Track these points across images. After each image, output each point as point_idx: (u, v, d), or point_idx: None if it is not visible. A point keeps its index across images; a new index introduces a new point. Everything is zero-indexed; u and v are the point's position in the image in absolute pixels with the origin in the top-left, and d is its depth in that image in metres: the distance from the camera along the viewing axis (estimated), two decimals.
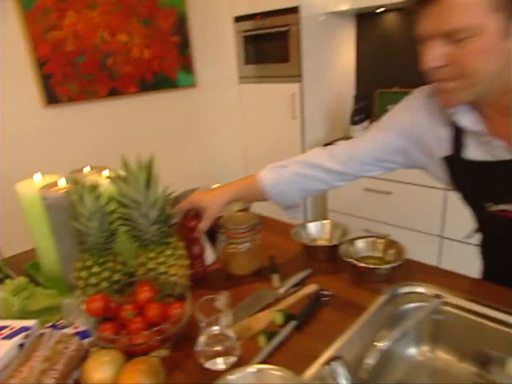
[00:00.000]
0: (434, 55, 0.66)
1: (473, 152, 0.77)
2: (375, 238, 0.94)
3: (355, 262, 0.86)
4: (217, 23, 2.68)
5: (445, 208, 2.00)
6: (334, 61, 2.55)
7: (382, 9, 2.39)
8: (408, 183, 2.09)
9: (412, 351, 0.81)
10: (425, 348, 0.81)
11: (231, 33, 2.64)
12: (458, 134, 0.78)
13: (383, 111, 2.55)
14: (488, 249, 0.97)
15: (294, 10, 2.23)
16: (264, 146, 2.71)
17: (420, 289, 0.82)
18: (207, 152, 2.88)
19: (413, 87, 2.58)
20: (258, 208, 1.19)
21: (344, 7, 2.28)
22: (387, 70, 2.54)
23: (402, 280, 0.86)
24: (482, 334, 0.75)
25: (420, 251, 2.19)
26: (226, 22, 2.65)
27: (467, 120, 0.75)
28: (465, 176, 0.81)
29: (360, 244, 0.94)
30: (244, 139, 2.85)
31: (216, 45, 2.73)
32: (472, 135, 0.76)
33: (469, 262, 2.01)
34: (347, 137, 2.45)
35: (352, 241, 0.95)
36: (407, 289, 0.83)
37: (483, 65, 0.65)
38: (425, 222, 2.10)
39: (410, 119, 0.85)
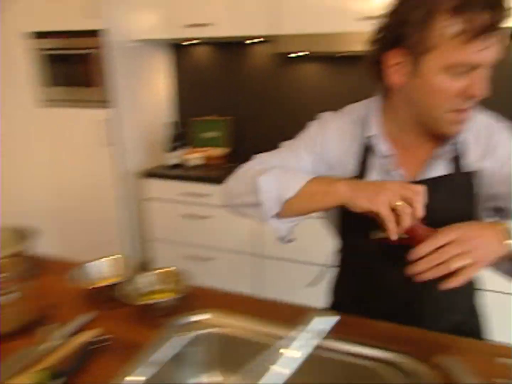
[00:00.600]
0: (485, 85, 0.71)
1: (375, 178, 0.84)
2: (158, 270, 0.93)
3: (131, 301, 0.83)
4: (5, 39, 2.37)
5: (258, 227, 2.17)
6: (150, 88, 2.54)
7: (196, 41, 2.51)
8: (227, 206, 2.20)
9: (203, 379, 0.81)
10: (214, 374, 0.82)
11: (26, 51, 2.37)
12: (365, 160, 0.84)
13: (199, 138, 2.66)
14: (347, 281, 1.00)
15: (95, 33, 2.14)
16: (74, 175, 2.49)
17: (200, 317, 0.83)
18: (5, 184, 2.48)
19: (229, 116, 2.74)
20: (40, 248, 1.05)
21: (153, 35, 2.30)
22: (206, 98, 2.66)
23: (188, 310, 0.86)
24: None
25: (239, 272, 2.34)
26: (15, 38, 2.36)
27: (383, 146, 0.82)
28: None
29: (144, 278, 0.91)
30: (51, 168, 2.56)
31: (7, 64, 2.40)
32: (379, 161, 0.83)
33: (291, 278, 2.23)
34: (164, 165, 2.47)
35: (134, 277, 0.91)
36: (187, 319, 0.82)
37: None
38: (241, 243, 2.24)
39: (324, 142, 0.87)
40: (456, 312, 0.93)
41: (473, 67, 0.69)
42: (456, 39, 0.67)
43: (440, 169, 0.82)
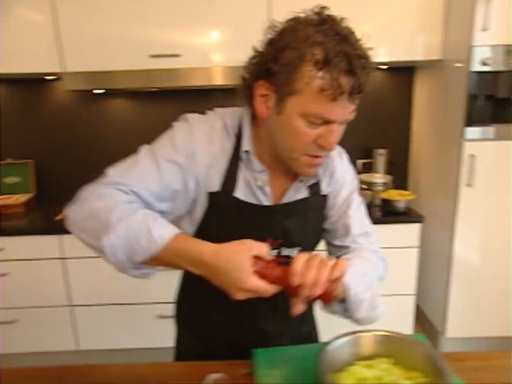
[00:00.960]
0: (336, 138, 0.74)
1: (241, 193, 0.82)
2: None
3: None
4: None
5: (67, 276, 2.01)
6: None
7: None
8: (23, 260, 1.99)
9: None
10: None
11: None
12: (234, 173, 0.81)
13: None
14: (195, 306, 0.98)
15: None
16: None
17: None
18: None
19: (30, 158, 2.50)
20: None
21: None
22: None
23: None
24: None
25: (55, 327, 2.12)
26: None
27: (257, 164, 0.81)
28: (227, 214, 0.81)
29: None
30: None
31: None
32: (250, 176, 0.82)
33: (106, 323, 2.11)
34: None
35: None
36: None
37: None
38: (52, 296, 2.04)
39: (192, 148, 0.79)
40: (305, 324, 1.03)
41: (328, 121, 0.71)
42: (317, 92, 0.67)
43: (300, 192, 0.86)
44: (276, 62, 0.70)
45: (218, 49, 2.01)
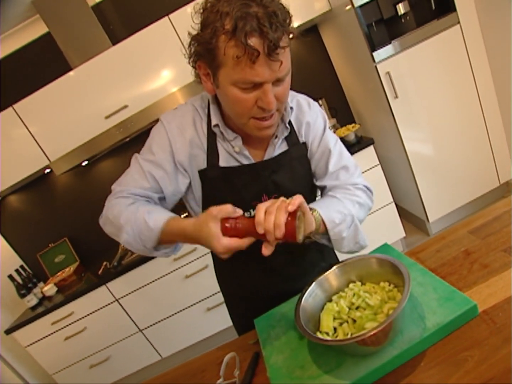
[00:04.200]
0: (272, 98, 0.65)
1: (225, 161, 0.77)
2: None
3: None
4: None
5: (127, 311, 2.00)
6: None
7: None
8: (90, 313, 1.99)
9: None
10: None
11: None
12: (213, 147, 0.77)
13: (52, 267, 2.38)
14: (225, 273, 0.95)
15: None
16: None
17: None
18: None
19: (63, 237, 2.44)
20: None
21: None
22: None
23: None
24: None
25: (137, 349, 2.03)
26: None
27: (226, 131, 0.76)
28: (219, 184, 0.77)
29: None
30: None
31: None
32: (226, 145, 0.77)
33: (171, 331, 2.04)
34: (27, 309, 2.13)
35: None
36: None
37: (288, 93, 0.70)
38: (123, 329, 2.04)
39: (176, 145, 0.76)
40: (323, 260, 0.93)
41: (257, 84, 0.63)
42: (235, 60, 0.60)
43: (281, 147, 0.80)
44: (198, 43, 0.65)
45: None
